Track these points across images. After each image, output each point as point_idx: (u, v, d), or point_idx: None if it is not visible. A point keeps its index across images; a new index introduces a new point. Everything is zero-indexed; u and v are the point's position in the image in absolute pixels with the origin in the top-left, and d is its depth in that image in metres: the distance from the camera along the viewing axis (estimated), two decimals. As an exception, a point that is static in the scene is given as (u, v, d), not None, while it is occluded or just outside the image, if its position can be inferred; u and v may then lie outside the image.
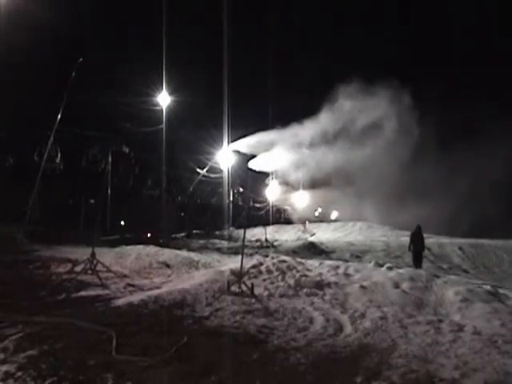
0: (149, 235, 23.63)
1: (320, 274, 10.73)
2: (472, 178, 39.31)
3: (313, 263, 12.57)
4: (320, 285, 9.64)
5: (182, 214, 33.63)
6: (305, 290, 9.17)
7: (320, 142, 37.94)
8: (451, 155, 40.19)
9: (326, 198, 46.00)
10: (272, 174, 40.27)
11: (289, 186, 43.68)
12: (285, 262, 11.93)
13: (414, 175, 41.13)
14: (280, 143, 36.73)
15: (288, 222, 45.23)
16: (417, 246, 16.81)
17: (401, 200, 41.40)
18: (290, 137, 36.99)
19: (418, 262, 16.57)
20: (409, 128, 38.64)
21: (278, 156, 37.08)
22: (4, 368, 4.34)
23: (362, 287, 9.15)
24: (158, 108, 26.35)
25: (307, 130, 37.11)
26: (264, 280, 10.20)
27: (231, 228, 33.34)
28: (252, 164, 37.28)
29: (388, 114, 38.10)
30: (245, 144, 35.49)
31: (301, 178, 41.33)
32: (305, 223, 41.87)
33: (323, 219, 49.12)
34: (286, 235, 35.71)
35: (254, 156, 37.44)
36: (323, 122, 36.99)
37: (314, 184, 43.10)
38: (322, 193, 45.22)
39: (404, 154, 39.02)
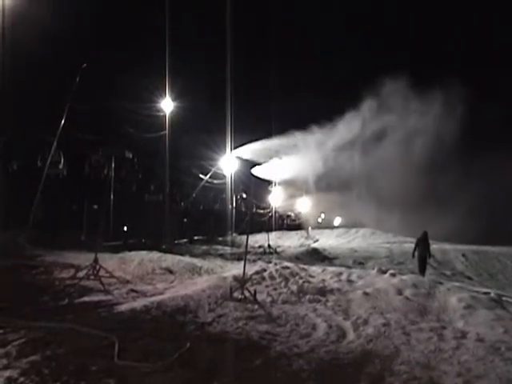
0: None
1: (323, 281, 10.72)
2: (485, 185, 38.74)
3: (316, 269, 12.56)
4: (323, 291, 9.63)
5: (185, 220, 33.58)
6: (308, 297, 9.16)
7: (343, 147, 37.61)
8: (463, 162, 39.51)
9: (338, 202, 45.81)
10: (274, 180, 40.26)
11: (296, 191, 43.61)
12: (288, 268, 11.93)
13: (429, 182, 40.63)
14: (291, 149, 36.62)
15: (291, 228, 45.13)
16: (422, 251, 16.63)
17: (415, 206, 40.88)
18: (305, 142, 36.83)
19: (422, 268, 16.41)
20: (445, 134, 37.64)
21: (289, 163, 36.96)
22: (7, 373, 4.34)
23: (365, 294, 9.13)
24: (161, 114, 26.42)
25: (323, 135, 36.94)
26: (267, 286, 10.20)
27: (234, 234, 33.29)
28: (259, 172, 37.27)
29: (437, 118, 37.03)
30: (249, 150, 35.56)
31: (311, 183, 40.99)
32: (308, 229, 41.84)
33: (327, 225, 49.01)
34: (288, 241, 35.66)
35: (257, 162, 37.54)
36: (346, 126, 36.77)
37: (326, 189, 42.76)
38: (333, 198, 45.06)
39: (426, 159, 38.39)
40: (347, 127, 38.29)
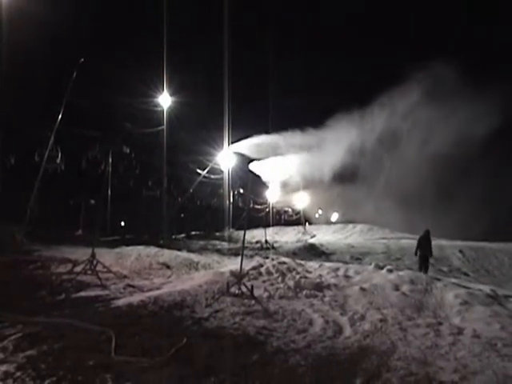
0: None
1: (320, 276, 10.72)
2: (488, 183, 38.41)
3: (313, 265, 12.56)
4: (320, 287, 9.64)
5: (182, 215, 33.61)
6: (304, 292, 9.17)
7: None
8: (467, 159, 39.02)
9: (340, 197, 45.81)
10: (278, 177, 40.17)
11: (294, 186, 43.55)
12: (285, 263, 11.93)
13: (440, 179, 40.22)
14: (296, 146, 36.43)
15: (289, 223, 45.19)
16: (425, 250, 16.43)
17: (422, 204, 40.54)
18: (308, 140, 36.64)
19: (423, 267, 16.19)
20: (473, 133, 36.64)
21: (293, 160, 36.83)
22: (3, 368, 4.34)
23: (362, 289, 9.15)
24: (158, 109, 26.36)
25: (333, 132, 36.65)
26: (264, 281, 10.20)
27: (231, 229, 33.35)
28: (257, 169, 37.21)
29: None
30: (246, 146, 35.48)
31: (324, 178, 40.56)
32: (305, 225, 41.87)
33: (324, 221, 49.12)
34: (285, 237, 35.71)
35: (255, 158, 37.45)
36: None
37: (331, 184, 42.51)
38: (334, 192, 45.04)
39: (442, 158, 37.78)
40: (354, 126, 37.94)
